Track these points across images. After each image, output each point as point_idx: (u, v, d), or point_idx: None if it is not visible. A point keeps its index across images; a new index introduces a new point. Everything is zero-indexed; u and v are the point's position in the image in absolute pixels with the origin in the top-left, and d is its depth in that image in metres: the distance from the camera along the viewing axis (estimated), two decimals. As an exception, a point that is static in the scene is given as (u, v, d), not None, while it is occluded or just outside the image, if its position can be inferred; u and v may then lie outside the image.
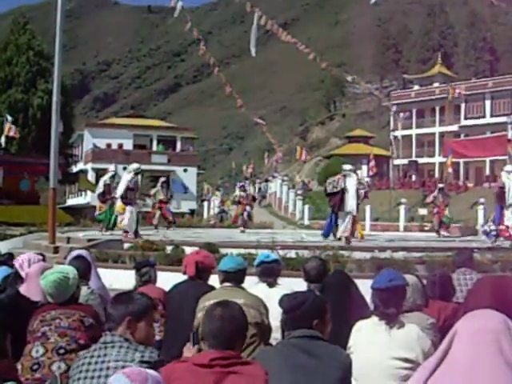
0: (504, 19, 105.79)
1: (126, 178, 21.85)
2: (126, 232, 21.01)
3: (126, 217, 21.46)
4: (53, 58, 22.34)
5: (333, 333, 4.77)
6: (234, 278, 5.92)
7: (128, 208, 21.41)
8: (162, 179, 29.68)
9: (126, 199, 21.50)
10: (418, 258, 14.99)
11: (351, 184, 19.64)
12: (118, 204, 22.19)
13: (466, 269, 8.31)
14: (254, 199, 33.14)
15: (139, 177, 22.73)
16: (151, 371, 3.23)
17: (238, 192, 30.48)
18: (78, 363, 4.45)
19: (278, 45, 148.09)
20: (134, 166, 22.64)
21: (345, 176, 20.22)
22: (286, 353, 4.40)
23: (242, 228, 28.32)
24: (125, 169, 40.63)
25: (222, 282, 6.00)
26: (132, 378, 3.06)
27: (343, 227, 19.75)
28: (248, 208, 29.73)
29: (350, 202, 19.52)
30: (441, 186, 30.04)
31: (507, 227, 20.41)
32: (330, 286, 6.49)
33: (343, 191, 19.88)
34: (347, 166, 20.42)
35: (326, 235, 21.49)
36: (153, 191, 28.71)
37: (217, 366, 3.71)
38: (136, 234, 20.99)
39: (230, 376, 3.69)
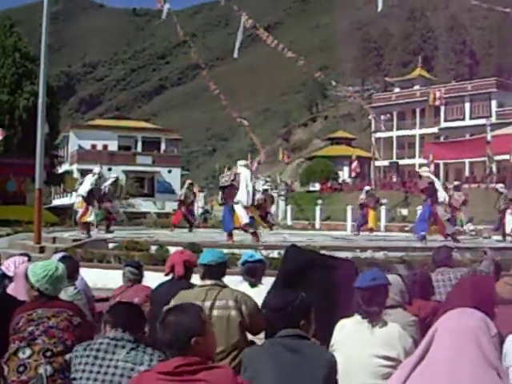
0: (483, 23, 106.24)
1: (89, 181, 22.27)
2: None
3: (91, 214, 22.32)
4: (39, 60, 22.27)
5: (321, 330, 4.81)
6: (215, 271, 5.81)
7: (90, 207, 22.05)
8: (189, 181, 29.81)
9: (88, 199, 21.85)
10: (399, 258, 15.03)
11: (243, 178, 19.49)
12: (78, 201, 22.63)
13: (444, 268, 8.34)
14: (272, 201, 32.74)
15: (101, 180, 23.07)
16: None
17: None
18: (83, 352, 4.48)
19: (262, 48, 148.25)
20: (96, 169, 23.18)
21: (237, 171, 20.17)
22: (273, 351, 4.39)
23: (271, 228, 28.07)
24: (110, 170, 40.43)
25: (202, 276, 5.88)
26: None
27: (240, 217, 19.60)
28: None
29: (240, 194, 19.38)
30: (456, 183, 28.88)
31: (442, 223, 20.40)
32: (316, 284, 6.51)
33: (232, 184, 19.83)
34: (241, 162, 20.46)
35: (229, 229, 21.30)
36: (180, 193, 28.84)
37: (183, 374, 3.50)
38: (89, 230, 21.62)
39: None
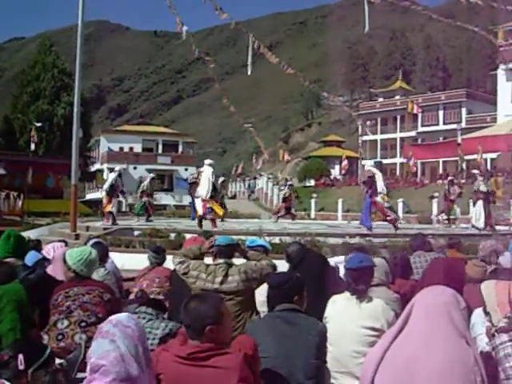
0: (454, 42, 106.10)
1: (111, 178, 22.26)
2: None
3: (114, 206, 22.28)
4: (74, 75, 22.23)
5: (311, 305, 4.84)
6: (224, 251, 5.83)
7: (112, 199, 21.89)
8: (222, 179, 29.80)
9: (110, 193, 21.81)
10: (382, 243, 15.02)
11: (205, 175, 19.47)
12: (103, 194, 22.60)
13: (421, 252, 8.35)
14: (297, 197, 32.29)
15: (121, 177, 22.98)
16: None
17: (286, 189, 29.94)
18: None
19: (265, 64, 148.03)
20: (117, 168, 23.30)
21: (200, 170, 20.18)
22: (271, 323, 4.47)
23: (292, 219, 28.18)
24: (135, 168, 40.18)
25: (215, 256, 5.92)
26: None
27: (198, 209, 19.65)
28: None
29: (200, 189, 19.39)
30: (450, 178, 28.15)
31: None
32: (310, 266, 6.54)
33: (195, 182, 19.86)
34: (207, 161, 20.36)
35: (194, 218, 21.79)
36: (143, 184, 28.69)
37: (195, 359, 3.49)
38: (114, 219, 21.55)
39: (208, 370, 3.46)
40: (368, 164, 22.32)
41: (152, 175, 27.23)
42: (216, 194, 19.88)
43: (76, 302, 5.31)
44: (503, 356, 3.84)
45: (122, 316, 3.35)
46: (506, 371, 3.78)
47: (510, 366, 3.80)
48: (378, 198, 19.62)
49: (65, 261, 5.68)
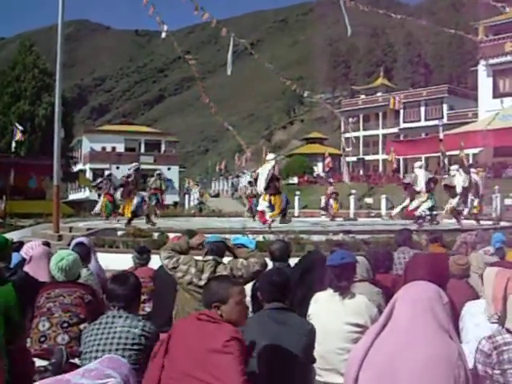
0: (435, 39, 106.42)
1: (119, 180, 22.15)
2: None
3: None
4: (55, 75, 22.08)
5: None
6: (215, 249, 5.84)
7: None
8: (249, 179, 30.02)
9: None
10: (366, 240, 15.06)
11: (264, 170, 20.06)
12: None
13: (405, 248, 8.37)
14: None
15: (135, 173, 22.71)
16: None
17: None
18: (89, 328, 4.58)
19: (247, 62, 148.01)
20: (133, 164, 22.88)
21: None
22: (262, 323, 4.46)
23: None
24: (118, 168, 40.12)
25: (205, 253, 5.91)
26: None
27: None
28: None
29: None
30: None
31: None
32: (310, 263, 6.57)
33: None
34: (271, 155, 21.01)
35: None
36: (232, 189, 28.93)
37: (202, 321, 3.92)
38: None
39: (210, 325, 3.89)
40: (270, 156, 22.44)
41: (136, 164, 24.14)
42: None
43: (57, 303, 5.31)
44: (507, 359, 3.70)
45: None
46: (507, 377, 3.68)
47: None
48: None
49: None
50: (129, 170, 21.69)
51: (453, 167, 23.32)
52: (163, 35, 23.21)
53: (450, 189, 22.06)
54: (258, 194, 30.39)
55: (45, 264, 6.78)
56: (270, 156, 20.49)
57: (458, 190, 21.79)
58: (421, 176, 21.85)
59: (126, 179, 21.14)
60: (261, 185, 19.46)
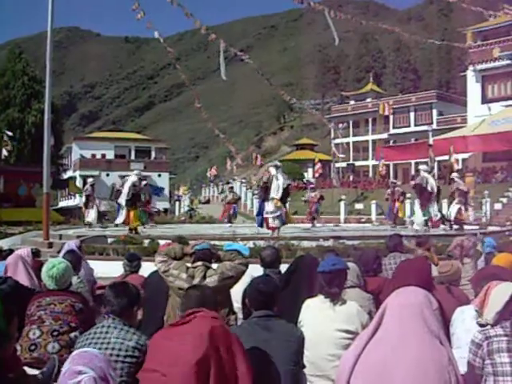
0: (424, 45, 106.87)
1: (127, 186, 21.78)
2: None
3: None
4: (44, 82, 22.10)
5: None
6: (201, 255, 5.94)
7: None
8: (230, 185, 30.27)
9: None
10: (356, 245, 15.07)
11: (128, 183, 21.45)
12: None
13: (396, 253, 8.36)
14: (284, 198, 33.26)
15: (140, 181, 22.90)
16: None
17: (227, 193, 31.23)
18: (83, 338, 4.50)
19: (237, 68, 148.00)
20: (135, 171, 23.15)
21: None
22: (251, 331, 4.46)
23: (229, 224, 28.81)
24: (108, 175, 39.98)
25: (193, 261, 5.98)
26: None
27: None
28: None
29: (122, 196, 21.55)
30: (392, 180, 28.27)
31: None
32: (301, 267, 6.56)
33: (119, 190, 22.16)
34: (135, 171, 22.67)
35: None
36: (222, 195, 29.22)
37: (190, 315, 3.96)
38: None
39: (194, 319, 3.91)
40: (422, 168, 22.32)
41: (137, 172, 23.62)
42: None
43: (48, 312, 5.29)
44: (496, 349, 3.92)
45: None
46: (495, 366, 3.88)
47: (500, 362, 3.88)
48: (270, 204, 20.05)
49: None
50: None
51: (422, 167, 23.28)
52: (156, 35, 23.27)
53: (421, 189, 21.99)
54: (238, 200, 31.06)
55: (22, 269, 6.87)
56: (273, 166, 20.50)
57: (433, 192, 21.84)
58: (431, 180, 21.91)
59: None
60: (278, 192, 19.49)
